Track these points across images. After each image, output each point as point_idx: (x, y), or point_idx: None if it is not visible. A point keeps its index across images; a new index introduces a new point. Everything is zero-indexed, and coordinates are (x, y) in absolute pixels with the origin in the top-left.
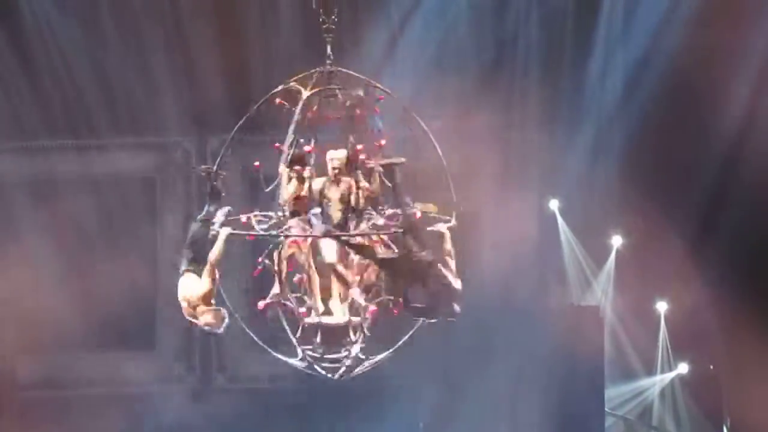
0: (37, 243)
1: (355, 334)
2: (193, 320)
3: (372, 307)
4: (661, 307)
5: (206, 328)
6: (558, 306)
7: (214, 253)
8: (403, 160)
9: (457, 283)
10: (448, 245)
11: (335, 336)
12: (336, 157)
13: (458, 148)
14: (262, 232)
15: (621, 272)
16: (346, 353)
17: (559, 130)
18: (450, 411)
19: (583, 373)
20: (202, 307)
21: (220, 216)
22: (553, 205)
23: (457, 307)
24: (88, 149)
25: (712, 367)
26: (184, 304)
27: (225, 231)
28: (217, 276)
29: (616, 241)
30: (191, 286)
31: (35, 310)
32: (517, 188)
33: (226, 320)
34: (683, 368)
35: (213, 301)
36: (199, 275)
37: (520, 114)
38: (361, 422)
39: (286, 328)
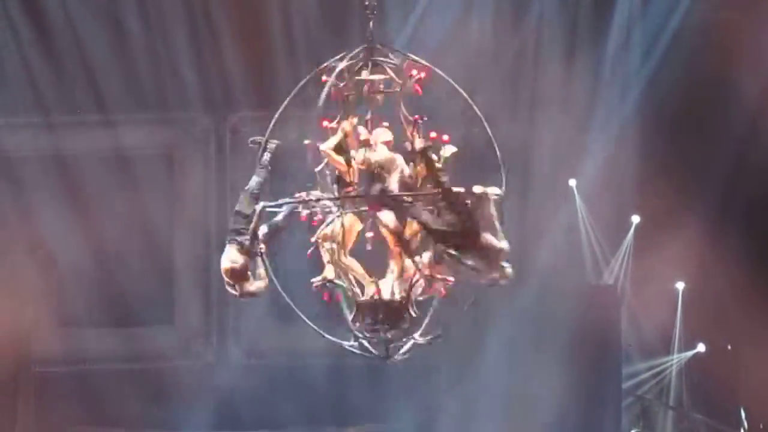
0: (55, 218)
1: (409, 312)
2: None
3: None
4: (679, 286)
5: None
6: (576, 285)
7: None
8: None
9: (503, 244)
10: (492, 209)
11: (393, 315)
12: (383, 136)
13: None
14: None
15: (639, 251)
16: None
17: (578, 109)
18: (466, 389)
19: (601, 352)
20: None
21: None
22: (572, 183)
23: (508, 268)
24: (106, 125)
25: (729, 346)
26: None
27: (259, 206)
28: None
29: (635, 219)
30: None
31: (53, 286)
32: (536, 167)
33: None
34: (701, 347)
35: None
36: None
37: (539, 93)
38: (380, 399)
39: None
